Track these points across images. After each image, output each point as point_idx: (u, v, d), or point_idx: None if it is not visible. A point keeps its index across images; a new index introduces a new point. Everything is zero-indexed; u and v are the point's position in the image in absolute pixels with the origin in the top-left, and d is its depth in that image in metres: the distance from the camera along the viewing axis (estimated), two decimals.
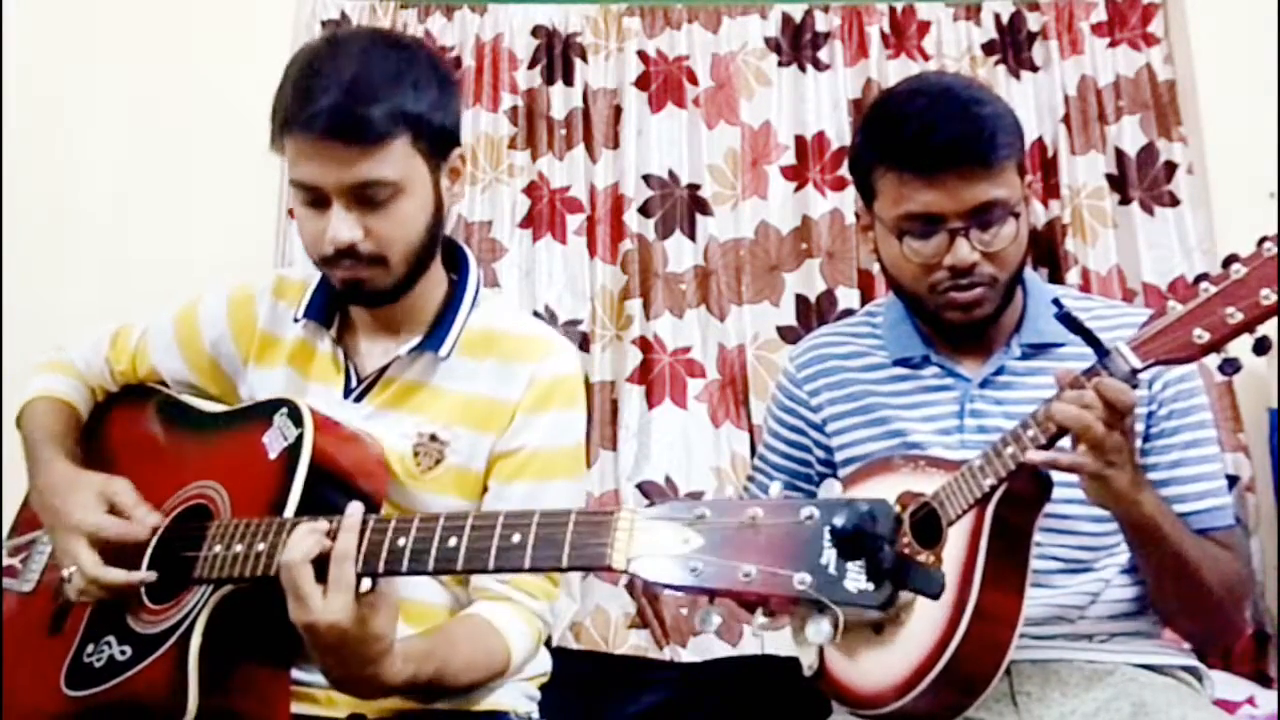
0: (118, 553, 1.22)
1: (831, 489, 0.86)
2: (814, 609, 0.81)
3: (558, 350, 1.36)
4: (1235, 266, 1.16)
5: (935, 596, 0.87)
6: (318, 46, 1.28)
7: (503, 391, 1.31)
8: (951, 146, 1.31)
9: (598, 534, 0.91)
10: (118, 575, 1.19)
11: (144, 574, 1.19)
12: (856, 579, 0.80)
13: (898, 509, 1.33)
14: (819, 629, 0.80)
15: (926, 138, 1.32)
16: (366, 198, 1.23)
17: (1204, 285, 1.17)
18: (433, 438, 1.30)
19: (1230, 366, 1.17)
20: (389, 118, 1.21)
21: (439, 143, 1.28)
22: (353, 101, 1.19)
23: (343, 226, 1.22)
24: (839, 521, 0.81)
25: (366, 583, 1.03)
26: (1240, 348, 1.17)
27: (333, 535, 1.04)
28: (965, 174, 1.32)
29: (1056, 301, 1.29)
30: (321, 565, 1.03)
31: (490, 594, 1.28)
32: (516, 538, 0.96)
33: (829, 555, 0.81)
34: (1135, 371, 1.19)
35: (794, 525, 0.83)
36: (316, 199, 1.24)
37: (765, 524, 0.84)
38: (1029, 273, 1.47)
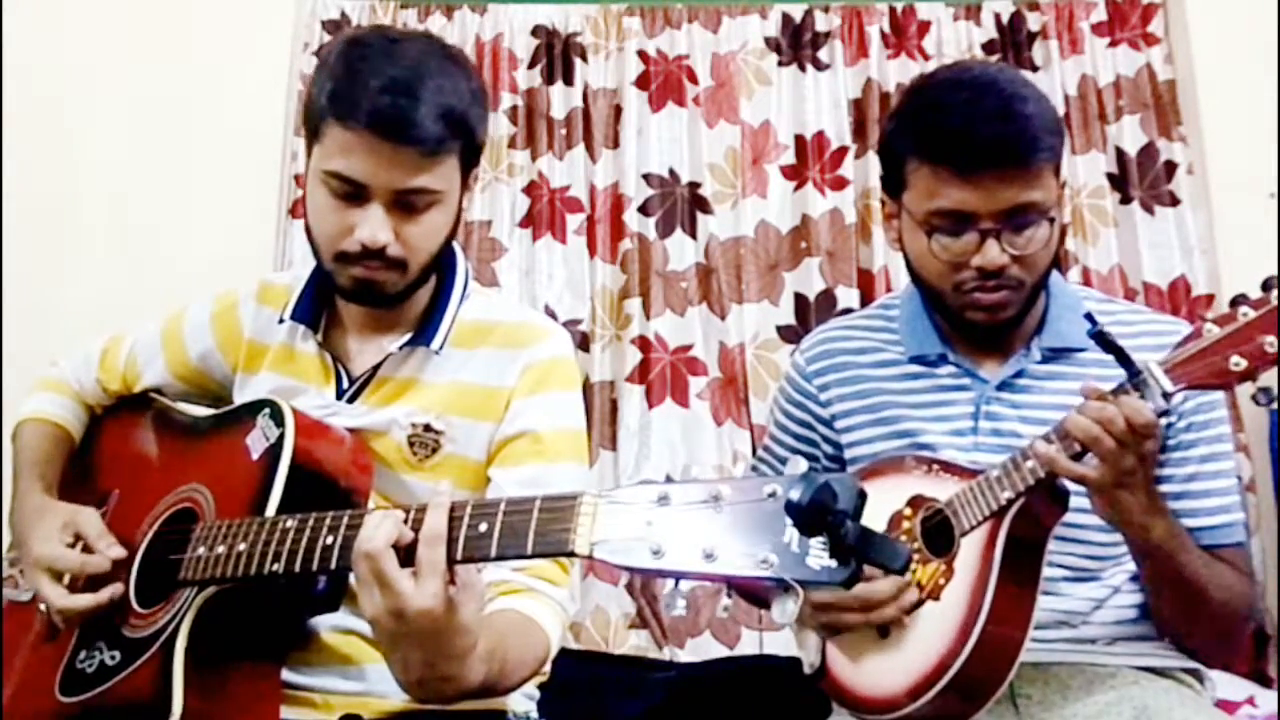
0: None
1: (797, 465, 0.80)
2: (779, 588, 0.78)
3: (549, 335, 1.35)
4: (1275, 292, 1.11)
5: (900, 572, 0.82)
6: (370, 40, 1.24)
7: (497, 379, 1.30)
8: (991, 146, 1.26)
9: (561, 520, 0.88)
10: (84, 601, 1.19)
11: (110, 590, 1.19)
12: (819, 556, 0.77)
13: (907, 510, 1.34)
14: (784, 609, 0.78)
15: (966, 134, 1.27)
16: (408, 203, 1.22)
17: (1242, 310, 1.12)
18: (427, 428, 1.28)
19: (1265, 396, 1.13)
20: (451, 130, 1.20)
21: (475, 158, 1.29)
22: (420, 108, 1.17)
23: (381, 229, 1.20)
24: (795, 496, 0.77)
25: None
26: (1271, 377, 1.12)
27: (414, 523, 0.96)
28: (1003, 175, 1.27)
29: (1089, 317, 1.22)
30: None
31: (511, 586, 1.22)
32: (483, 526, 0.93)
33: (791, 533, 0.78)
34: (1168, 395, 1.14)
35: (757, 503, 0.80)
36: (353, 194, 1.21)
37: (729, 503, 0.81)
38: (1053, 274, 1.41)
